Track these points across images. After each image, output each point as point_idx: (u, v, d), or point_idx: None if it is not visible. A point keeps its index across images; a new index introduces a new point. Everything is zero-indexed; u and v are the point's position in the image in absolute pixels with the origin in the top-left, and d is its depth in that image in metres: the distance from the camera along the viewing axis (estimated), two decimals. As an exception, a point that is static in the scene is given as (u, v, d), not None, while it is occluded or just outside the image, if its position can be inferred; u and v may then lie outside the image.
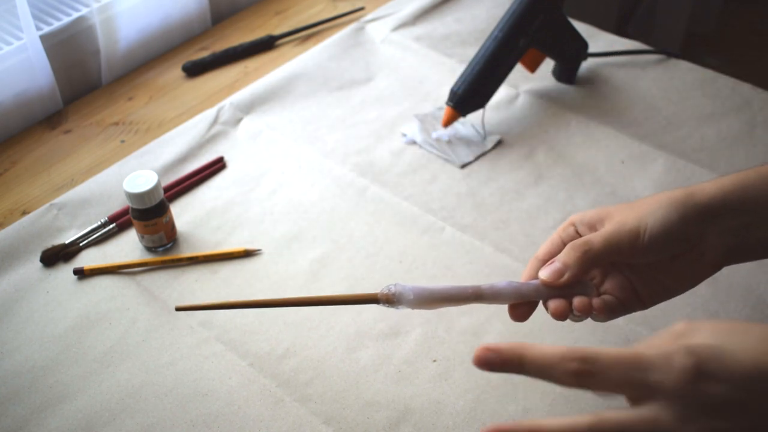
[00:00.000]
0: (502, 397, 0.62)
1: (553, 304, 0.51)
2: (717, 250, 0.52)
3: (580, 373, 0.38)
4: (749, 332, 0.39)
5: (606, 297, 0.52)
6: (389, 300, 0.50)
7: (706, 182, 0.52)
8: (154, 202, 0.72)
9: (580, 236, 0.54)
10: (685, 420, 0.37)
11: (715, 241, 0.51)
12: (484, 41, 0.87)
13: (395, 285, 0.50)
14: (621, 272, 0.53)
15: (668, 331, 0.40)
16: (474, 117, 0.89)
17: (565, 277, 0.50)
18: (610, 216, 0.52)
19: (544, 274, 0.51)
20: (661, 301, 0.53)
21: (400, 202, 0.80)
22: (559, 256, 0.51)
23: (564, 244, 0.54)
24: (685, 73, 0.97)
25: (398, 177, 0.83)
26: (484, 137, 0.88)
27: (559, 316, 0.51)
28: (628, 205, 0.53)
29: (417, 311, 0.69)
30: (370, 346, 0.67)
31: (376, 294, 0.50)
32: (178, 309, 0.54)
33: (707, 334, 0.39)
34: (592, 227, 0.53)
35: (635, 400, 0.39)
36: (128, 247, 0.76)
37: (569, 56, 0.93)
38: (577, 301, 0.51)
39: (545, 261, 0.53)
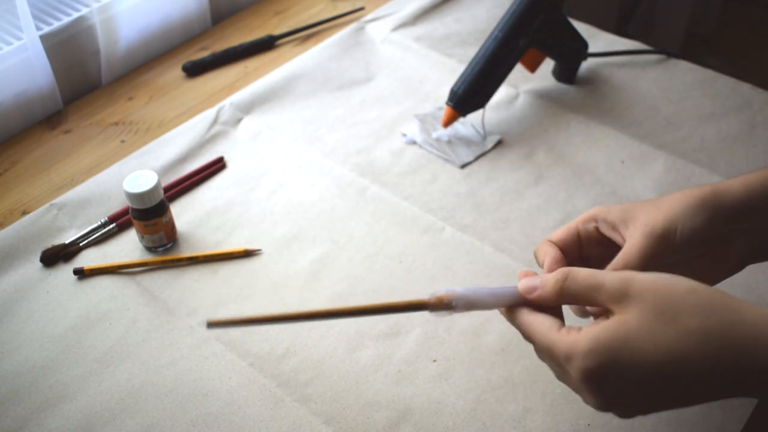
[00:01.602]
0: (502, 397, 0.62)
1: (573, 311, 0.52)
2: (740, 250, 0.52)
3: (527, 340, 0.49)
4: (675, 321, 0.42)
5: None
6: (440, 306, 0.48)
7: (732, 180, 0.52)
8: (154, 202, 0.72)
9: (600, 234, 0.54)
10: (589, 392, 0.44)
11: (739, 241, 0.51)
12: (484, 41, 0.87)
13: (445, 290, 0.48)
14: None
15: (614, 287, 0.44)
16: (474, 117, 0.89)
17: None
18: (634, 217, 0.52)
19: None
20: None
21: (400, 202, 0.80)
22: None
23: (581, 238, 0.54)
24: (685, 73, 0.97)
25: (398, 177, 0.83)
26: (484, 137, 0.88)
27: (582, 315, 0.53)
28: (653, 203, 0.52)
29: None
30: (370, 346, 0.67)
31: (427, 300, 0.48)
32: (210, 325, 0.48)
33: (635, 313, 0.43)
34: (615, 228, 0.53)
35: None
36: (128, 247, 0.76)
37: (569, 56, 0.93)
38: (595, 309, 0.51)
39: (559, 246, 0.54)
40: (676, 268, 0.52)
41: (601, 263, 0.55)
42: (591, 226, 0.54)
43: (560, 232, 0.54)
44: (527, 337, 0.48)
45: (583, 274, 0.46)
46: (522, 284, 0.49)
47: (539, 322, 0.47)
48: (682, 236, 0.50)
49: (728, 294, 0.43)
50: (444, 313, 0.49)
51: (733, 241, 0.51)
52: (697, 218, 0.50)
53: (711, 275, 0.54)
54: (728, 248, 0.52)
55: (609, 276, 0.45)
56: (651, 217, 0.51)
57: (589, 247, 0.55)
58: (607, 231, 0.54)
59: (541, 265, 0.54)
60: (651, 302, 0.43)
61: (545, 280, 0.47)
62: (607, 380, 0.43)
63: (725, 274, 0.54)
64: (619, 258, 0.51)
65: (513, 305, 0.50)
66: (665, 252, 0.51)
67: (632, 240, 0.51)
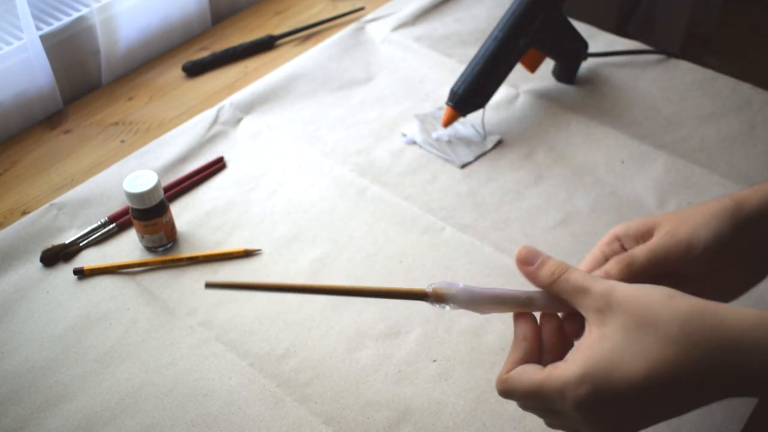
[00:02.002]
0: (502, 397, 0.62)
1: None
2: (761, 259, 0.52)
3: (507, 398, 0.48)
4: (655, 329, 0.42)
5: None
6: (439, 297, 0.49)
7: (749, 189, 0.52)
8: (154, 202, 0.72)
9: (626, 251, 0.54)
10: (588, 423, 0.45)
11: (760, 249, 0.51)
12: (484, 41, 0.87)
13: (446, 282, 0.49)
14: None
15: (598, 294, 0.45)
16: (474, 117, 0.89)
17: None
18: (658, 226, 0.52)
19: None
20: None
21: (400, 202, 0.80)
22: (603, 266, 0.51)
23: (607, 260, 0.54)
24: (685, 73, 0.97)
25: (398, 177, 0.83)
26: (484, 137, 0.88)
27: None
28: (676, 214, 0.52)
29: (417, 311, 0.69)
30: (370, 346, 0.67)
31: (425, 290, 0.49)
32: (207, 285, 0.48)
33: (616, 327, 0.43)
34: (639, 240, 0.53)
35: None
36: (128, 247, 0.76)
37: (569, 56, 0.93)
38: None
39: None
40: (701, 282, 0.52)
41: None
42: (616, 245, 0.54)
43: (587, 262, 0.54)
44: (507, 392, 0.48)
45: (575, 276, 0.47)
46: (522, 251, 0.49)
47: (519, 374, 0.47)
48: (705, 245, 0.50)
49: (706, 300, 0.43)
50: (443, 306, 0.49)
51: (752, 252, 0.51)
52: (722, 227, 0.50)
53: (734, 286, 0.54)
54: (750, 257, 0.52)
55: (596, 284, 0.45)
56: (674, 224, 0.51)
57: None
58: (632, 245, 0.53)
59: None
60: (630, 313, 0.43)
61: (543, 264, 0.48)
62: (601, 403, 0.43)
63: (744, 286, 0.54)
64: (628, 252, 0.51)
65: (512, 310, 0.50)
66: (684, 262, 0.50)
67: (649, 240, 0.51)
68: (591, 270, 0.53)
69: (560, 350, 0.49)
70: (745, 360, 0.40)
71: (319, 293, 0.51)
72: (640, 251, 0.51)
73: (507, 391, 0.48)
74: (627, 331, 0.42)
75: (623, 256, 0.51)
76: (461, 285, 0.49)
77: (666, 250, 0.50)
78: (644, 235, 0.52)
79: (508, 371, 0.48)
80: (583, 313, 0.46)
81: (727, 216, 0.50)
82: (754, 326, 0.40)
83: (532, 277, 0.49)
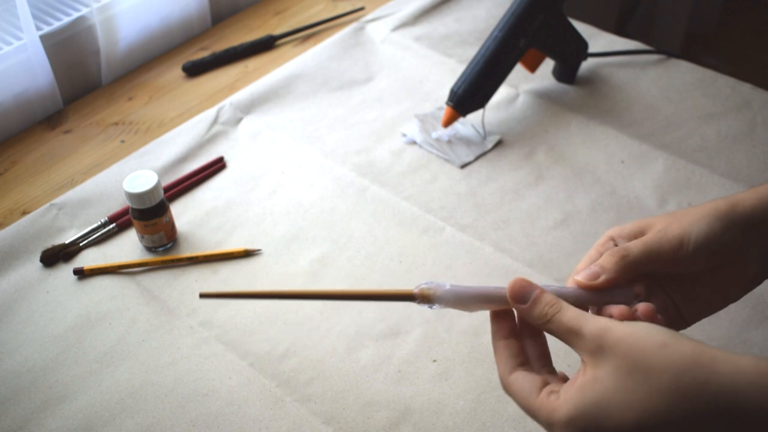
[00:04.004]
0: (502, 397, 0.62)
1: (591, 311, 0.51)
2: (759, 262, 0.52)
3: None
4: (646, 380, 0.42)
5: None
6: (426, 298, 0.48)
7: (745, 192, 0.52)
8: (154, 202, 0.72)
9: None
10: None
11: (756, 252, 0.51)
12: (484, 41, 0.87)
13: (432, 282, 0.49)
14: (664, 291, 0.52)
15: (591, 336, 0.44)
16: (474, 117, 0.89)
17: (601, 279, 0.50)
18: (651, 226, 0.52)
19: (580, 276, 0.50)
20: (703, 318, 0.53)
21: (400, 202, 0.80)
22: (597, 261, 0.51)
23: None
24: (685, 73, 0.97)
25: (398, 177, 0.83)
26: (484, 137, 0.88)
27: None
28: (671, 215, 0.53)
29: (418, 310, 0.69)
30: (370, 346, 0.67)
31: (412, 291, 0.48)
32: (202, 296, 0.49)
33: (608, 370, 0.43)
34: (632, 240, 0.53)
35: None
36: (128, 247, 0.76)
37: (569, 56, 0.93)
38: (617, 310, 0.50)
39: None
40: (697, 284, 0.52)
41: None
42: (610, 245, 0.54)
43: (583, 263, 0.54)
44: (509, 395, 0.48)
45: (567, 316, 0.46)
46: (515, 286, 0.48)
47: (519, 388, 0.47)
48: (697, 242, 0.50)
49: (703, 345, 0.43)
50: (430, 306, 0.49)
51: (750, 252, 0.52)
52: (713, 226, 0.50)
53: (732, 289, 0.54)
54: (746, 260, 0.52)
55: (588, 325, 0.45)
56: (666, 223, 0.51)
57: None
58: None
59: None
60: (622, 359, 0.43)
61: (535, 303, 0.47)
62: None
63: (746, 287, 0.54)
64: (622, 245, 0.51)
65: (498, 309, 0.49)
66: (676, 260, 0.50)
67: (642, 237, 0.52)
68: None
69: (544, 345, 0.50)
70: (743, 410, 0.40)
71: (307, 299, 0.50)
72: (633, 244, 0.51)
73: (509, 394, 0.48)
74: (618, 377, 0.42)
75: (617, 249, 0.51)
76: (448, 285, 0.49)
77: (658, 245, 0.50)
78: (637, 236, 0.53)
79: (509, 372, 0.47)
80: (578, 353, 0.46)
81: (719, 216, 0.51)
82: (750, 379, 0.40)
83: (524, 316, 0.48)
